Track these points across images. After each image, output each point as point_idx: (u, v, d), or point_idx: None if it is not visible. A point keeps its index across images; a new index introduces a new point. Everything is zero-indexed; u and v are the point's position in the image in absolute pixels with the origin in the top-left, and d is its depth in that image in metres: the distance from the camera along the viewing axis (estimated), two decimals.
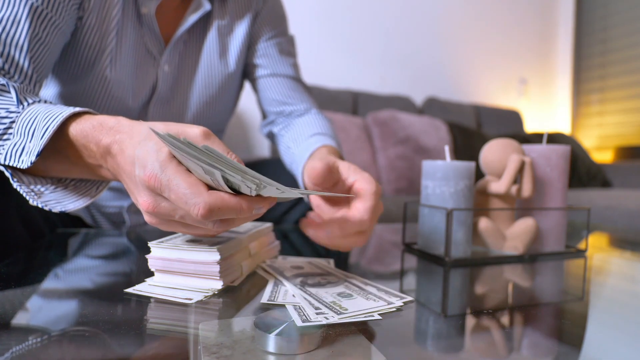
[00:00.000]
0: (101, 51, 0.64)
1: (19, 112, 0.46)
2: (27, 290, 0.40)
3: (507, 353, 0.30)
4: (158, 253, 0.40)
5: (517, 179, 0.62)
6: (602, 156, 2.86)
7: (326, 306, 0.34)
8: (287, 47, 0.84)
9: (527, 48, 2.95)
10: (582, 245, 0.66)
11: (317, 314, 0.33)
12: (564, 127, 3.07)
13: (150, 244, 0.40)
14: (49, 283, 0.43)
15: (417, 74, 2.58)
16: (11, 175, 0.45)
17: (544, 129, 3.00)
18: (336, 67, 2.33)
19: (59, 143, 0.43)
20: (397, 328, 0.33)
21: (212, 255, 0.38)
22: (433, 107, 2.39)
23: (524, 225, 0.59)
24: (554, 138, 2.43)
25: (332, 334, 0.30)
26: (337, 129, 1.89)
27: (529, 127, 2.93)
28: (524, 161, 0.59)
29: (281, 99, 0.81)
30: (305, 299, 0.36)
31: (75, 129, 0.42)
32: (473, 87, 2.77)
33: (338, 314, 0.33)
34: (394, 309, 0.35)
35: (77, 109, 0.43)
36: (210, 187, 0.34)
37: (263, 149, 2.12)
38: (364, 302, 0.36)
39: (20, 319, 0.33)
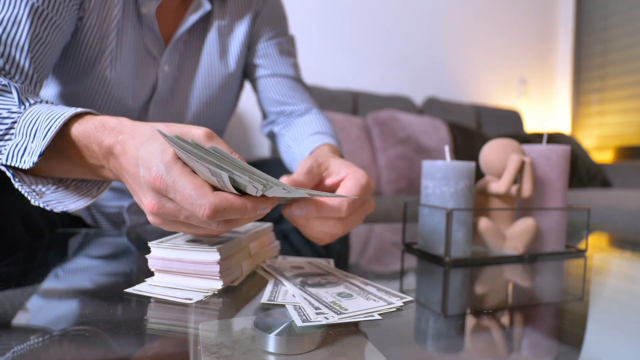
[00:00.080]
0: (101, 51, 0.64)
1: (20, 113, 0.46)
2: (27, 290, 0.40)
3: (507, 353, 0.30)
4: (158, 253, 0.40)
5: (517, 179, 0.62)
6: (602, 156, 2.86)
7: (326, 306, 0.34)
8: (288, 47, 0.84)
9: (527, 48, 2.95)
10: (582, 245, 0.66)
11: (317, 314, 0.33)
12: (564, 127, 3.07)
13: (150, 244, 0.40)
14: (49, 283, 0.43)
15: (417, 74, 2.58)
16: (13, 175, 0.45)
17: (544, 129, 3.00)
18: (336, 67, 2.33)
19: (61, 143, 0.43)
20: (397, 328, 0.33)
21: (212, 255, 0.38)
22: (433, 107, 2.39)
23: (524, 225, 0.59)
24: (554, 138, 2.43)
25: (332, 334, 0.30)
26: (337, 129, 1.89)
27: (529, 127, 2.93)
28: (524, 161, 0.59)
29: (281, 99, 0.81)
30: (305, 299, 0.36)
31: (77, 130, 0.42)
32: (473, 87, 2.78)
33: (338, 314, 0.33)
34: (394, 309, 0.35)
35: (79, 110, 0.43)
36: (215, 188, 0.34)
37: (263, 149, 2.12)
38: (364, 302, 0.36)
39: (20, 319, 0.33)
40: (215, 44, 0.75)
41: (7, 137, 0.45)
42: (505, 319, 0.37)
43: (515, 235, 0.59)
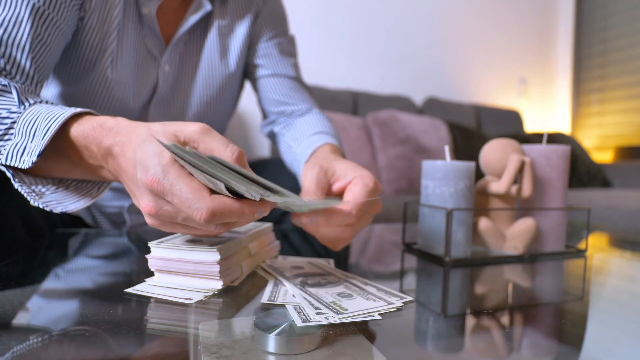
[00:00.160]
0: (102, 52, 0.64)
1: (20, 113, 0.46)
2: (27, 290, 0.40)
3: (507, 353, 0.30)
4: (158, 253, 0.40)
5: (517, 179, 0.62)
6: (602, 156, 2.86)
7: (326, 306, 0.34)
8: (288, 47, 0.84)
9: (527, 48, 2.95)
10: (582, 245, 0.66)
11: (317, 314, 0.33)
12: (564, 127, 3.07)
13: (150, 244, 0.40)
14: (49, 283, 0.43)
15: (417, 74, 2.58)
16: (12, 175, 0.45)
17: (544, 129, 3.00)
18: (336, 67, 2.33)
19: (61, 143, 0.43)
20: (397, 328, 0.33)
21: (212, 255, 0.38)
22: (433, 107, 2.39)
23: (524, 225, 0.59)
24: (554, 138, 2.43)
25: (332, 334, 0.30)
26: (337, 128, 1.89)
27: (529, 127, 2.93)
28: (524, 161, 0.59)
29: (282, 99, 0.81)
30: (305, 299, 0.36)
31: (77, 130, 0.42)
32: (473, 87, 2.78)
33: (338, 314, 0.33)
34: (394, 309, 0.35)
35: (79, 110, 0.43)
36: (212, 191, 0.34)
37: (263, 149, 2.12)
38: (364, 302, 0.36)
39: (20, 319, 0.33)
40: (215, 44, 0.75)
41: (6, 137, 0.45)
42: (505, 319, 0.37)
43: (515, 235, 0.59)
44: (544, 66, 3.04)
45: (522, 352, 0.30)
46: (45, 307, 0.36)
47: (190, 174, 0.34)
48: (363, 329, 0.31)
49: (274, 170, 0.86)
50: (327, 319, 0.32)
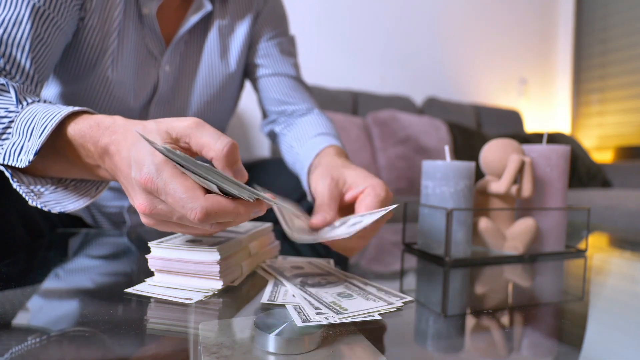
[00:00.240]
0: (103, 52, 0.64)
1: (18, 112, 0.46)
2: (27, 290, 0.40)
3: (507, 353, 0.30)
4: (158, 253, 0.40)
5: (517, 179, 0.62)
6: (602, 156, 2.86)
7: (326, 306, 0.34)
8: (288, 47, 0.84)
9: (527, 48, 2.95)
10: (582, 245, 0.66)
11: (317, 314, 0.33)
12: (564, 127, 3.07)
13: (150, 244, 0.40)
14: (49, 283, 0.43)
15: (417, 74, 2.58)
16: (11, 175, 0.45)
17: (544, 129, 3.00)
18: (336, 67, 2.33)
19: (58, 142, 0.43)
20: (397, 328, 0.33)
21: (212, 255, 0.38)
22: (433, 107, 2.40)
23: (524, 225, 0.59)
24: (554, 138, 2.43)
25: (332, 334, 0.30)
26: (337, 129, 1.89)
27: (529, 127, 2.93)
28: (524, 161, 0.59)
29: (283, 98, 0.81)
30: (305, 299, 0.36)
31: (74, 129, 0.42)
32: (473, 87, 2.78)
33: (338, 314, 0.33)
34: (394, 309, 0.35)
35: (76, 108, 0.43)
36: (207, 190, 0.34)
37: (263, 149, 2.12)
38: (364, 302, 0.36)
39: (20, 319, 0.33)
40: (216, 44, 0.75)
41: (4, 136, 0.45)
42: (505, 319, 0.37)
43: (515, 235, 0.59)
44: (544, 66, 3.04)
45: (522, 352, 0.30)
46: (45, 307, 0.36)
47: (184, 173, 0.33)
48: (363, 329, 0.31)
49: (274, 170, 0.86)
50: (327, 319, 0.32)
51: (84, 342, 0.29)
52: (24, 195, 0.45)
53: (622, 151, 2.77)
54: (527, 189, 0.59)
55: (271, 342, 0.27)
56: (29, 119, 0.44)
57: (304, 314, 0.32)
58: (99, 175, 0.45)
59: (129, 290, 0.38)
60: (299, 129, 0.76)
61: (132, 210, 0.79)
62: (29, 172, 0.47)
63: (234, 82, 0.80)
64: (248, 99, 1.54)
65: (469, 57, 2.74)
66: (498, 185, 0.59)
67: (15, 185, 0.45)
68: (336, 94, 2.15)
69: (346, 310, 0.34)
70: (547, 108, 3.07)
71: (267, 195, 0.36)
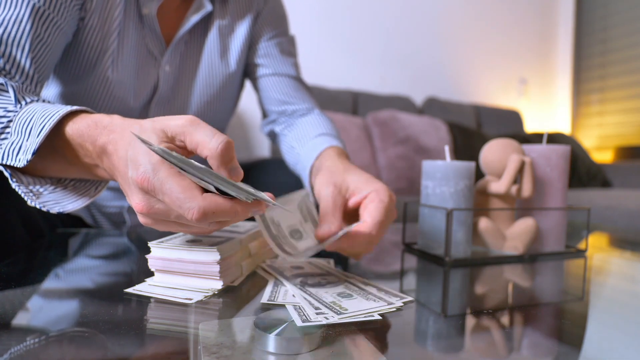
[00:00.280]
0: (103, 52, 0.64)
1: (16, 111, 0.46)
2: (27, 290, 0.40)
3: (507, 353, 0.30)
4: (158, 253, 0.40)
5: (517, 179, 0.62)
6: (602, 156, 2.86)
7: (326, 306, 0.34)
8: (288, 47, 0.84)
9: (527, 48, 2.95)
10: (582, 245, 0.66)
11: (317, 314, 0.33)
12: (564, 127, 3.07)
13: (150, 244, 0.40)
14: (49, 283, 0.43)
15: (417, 74, 2.58)
16: (10, 175, 0.45)
17: (544, 129, 3.00)
18: (336, 67, 2.33)
19: (56, 142, 0.43)
20: (397, 328, 0.33)
21: (212, 255, 0.38)
22: (433, 107, 2.40)
23: (524, 225, 0.59)
24: (554, 138, 2.43)
25: (332, 334, 0.30)
26: (338, 129, 1.89)
27: (529, 127, 2.93)
28: (524, 161, 0.59)
29: (283, 98, 0.81)
30: (305, 299, 0.36)
31: (72, 128, 0.42)
32: (473, 87, 2.78)
33: (338, 314, 0.33)
34: (394, 309, 0.35)
35: (74, 108, 0.43)
36: (204, 189, 0.33)
37: (263, 149, 2.12)
38: (364, 302, 0.36)
39: (20, 319, 0.33)
40: (216, 44, 0.75)
41: (2, 136, 0.45)
42: (505, 319, 0.37)
43: (515, 235, 0.59)
44: (544, 66, 3.04)
45: (522, 352, 0.30)
46: (45, 307, 0.36)
47: (180, 172, 0.33)
48: (363, 329, 0.31)
49: (274, 170, 0.86)
50: (327, 319, 0.32)
51: (84, 342, 0.29)
52: (22, 195, 0.45)
53: (622, 151, 2.77)
54: (527, 189, 0.59)
55: (271, 342, 0.27)
56: (27, 118, 0.44)
57: (304, 314, 0.32)
58: (97, 174, 0.45)
59: (129, 290, 0.38)
60: (300, 130, 0.76)
61: (132, 210, 0.79)
62: (28, 172, 0.47)
63: (234, 82, 0.80)
64: (248, 99, 1.54)
65: (469, 57, 2.74)
66: (498, 185, 0.59)
67: (14, 185, 0.45)
68: (336, 94, 2.15)
69: (346, 310, 0.34)
70: (547, 108, 3.07)
71: (265, 195, 0.36)
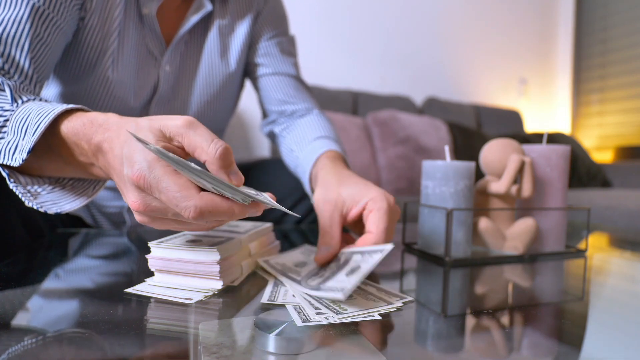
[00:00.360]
0: (103, 52, 0.64)
1: (13, 111, 0.45)
2: (27, 290, 0.40)
3: (507, 353, 0.30)
4: (158, 253, 0.40)
5: (517, 179, 0.62)
6: (602, 156, 2.86)
7: (326, 306, 0.34)
8: (288, 47, 0.84)
9: (527, 48, 2.95)
10: (582, 245, 0.66)
11: (317, 314, 0.33)
12: (564, 127, 3.07)
13: (150, 244, 0.40)
14: (49, 283, 0.43)
15: (417, 74, 2.58)
16: (8, 175, 0.45)
17: (544, 129, 3.00)
18: (336, 67, 2.33)
19: (52, 141, 0.43)
20: (397, 328, 0.33)
21: (212, 255, 0.38)
22: (433, 107, 2.39)
23: (524, 225, 0.59)
24: (554, 138, 2.43)
25: (332, 334, 0.30)
26: (337, 129, 1.89)
27: (529, 127, 2.93)
28: (524, 161, 0.59)
29: (283, 97, 0.81)
30: (305, 299, 0.36)
31: (67, 127, 0.42)
32: (473, 87, 2.78)
33: (338, 314, 0.33)
34: (394, 309, 0.35)
35: (70, 106, 0.43)
36: (200, 188, 0.33)
37: (263, 149, 2.12)
38: (364, 302, 0.36)
39: (20, 319, 0.33)
40: (216, 44, 0.75)
41: None
42: (505, 319, 0.37)
43: (515, 235, 0.59)
44: (544, 66, 3.03)
45: (522, 352, 0.30)
46: (45, 307, 0.36)
47: (176, 170, 0.33)
48: (363, 329, 0.31)
49: (274, 170, 0.86)
50: (327, 319, 0.32)
51: (84, 342, 0.29)
52: (20, 195, 0.45)
53: (622, 151, 2.76)
54: (527, 189, 0.59)
55: (271, 342, 0.27)
56: (23, 117, 0.43)
57: (304, 314, 0.32)
58: (93, 173, 0.44)
59: (129, 290, 0.38)
60: (298, 132, 0.76)
61: (131, 210, 0.79)
62: (26, 172, 0.47)
63: (234, 81, 0.80)
64: (248, 99, 1.54)
65: (469, 57, 2.74)
66: (498, 185, 0.59)
67: (11, 185, 0.45)
68: (336, 94, 2.15)
69: (346, 310, 0.34)
70: (547, 108, 3.07)
71: (266, 195, 0.36)
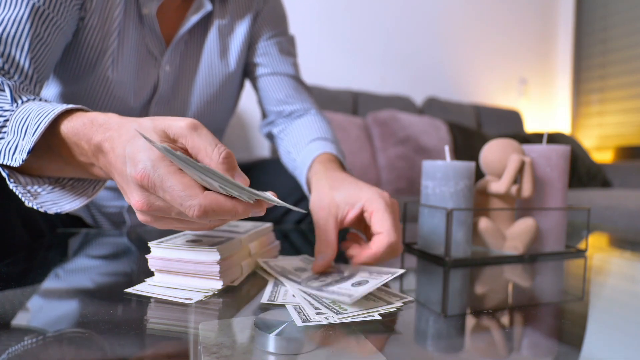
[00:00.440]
0: (103, 52, 0.64)
1: (13, 111, 0.45)
2: (27, 290, 0.40)
3: (507, 353, 0.30)
4: (158, 253, 0.40)
5: (517, 179, 0.62)
6: (602, 156, 2.86)
7: (326, 306, 0.34)
8: (288, 47, 0.84)
9: (527, 48, 2.95)
10: (582, 245, 0.66)
11: (317, 314, 0.33)
12: (564, 127, 3.07)
13: (150, 244, 0.40)
14: (49, 283, 0.43)
15: (417, 74, 2.58)
16: (8, 175, 0.45)
17: (544, 129, 3.00)
18: (336, 67, 2.33)
19: (52, 141, 0.43)
20: (397, 328, 0.33)
21: (212, 255, 0.38)
22: (433, 107, 2.39)
23: (524, 225, 0.59)
24: (554, 138, 2.43)
25: (332, 334, 0.30)
26: (337, 129, 1.89)
27: (529, 127, 2.93)
28: (524, 161, 0.59)
29: (282, 97, 0.81)
30: (305, 299, 0.36)
31: (67, 127, 0.41)
32: (473, 87, 2.78)
33: (338, 314, 0.33)
34: (394, 309, 0.35)
35: (70, 106, 0.43)
36: (204, 187, 0.33)
37: (263, 149, 2.12)
38: (364, 302, 0.36)
39: (20, 319, 0.33)
40: (215, 44, 0.75)
41: None
42: (505, 319, 0.37)
43: (515, 235, 0.59)
44: (544, 66, 3.03)
45: (522, 352, 0.30)
46: (45, 307, 0.36)
47: (181, 169, 0.33)
48: (363, 329, 0.31)
49: (273, 170, 0.86)
50: (327, 319, 0.32)
51: (84, 342, 0.29)
52: (20, 196, 0.45)
53: (622, 151, 2.76)
54: (527, 189, 0.59)
55: (271, 342, 0.27)
56: (23, 117, 0.43)
57: (303, 314, 0.32)
58: (93, 173, 0.44)
59: (129, 290, 0.38)
60: (295, 134, 0.77)
61: (132, 210, 0.79)
62: (26, 172, 0.47)
63: (233, 81, 0.80)
64: (248, 99, 1.54)
65: (469, 57, 2.74)
66: (498, 185, 0.59)
67: (11, 185, 0.45)
68: (336, 94, 2.15)
69: (346, 310, 0.34)
70: (547, 108, 3.07)
71: (269, 194, 0.36)
